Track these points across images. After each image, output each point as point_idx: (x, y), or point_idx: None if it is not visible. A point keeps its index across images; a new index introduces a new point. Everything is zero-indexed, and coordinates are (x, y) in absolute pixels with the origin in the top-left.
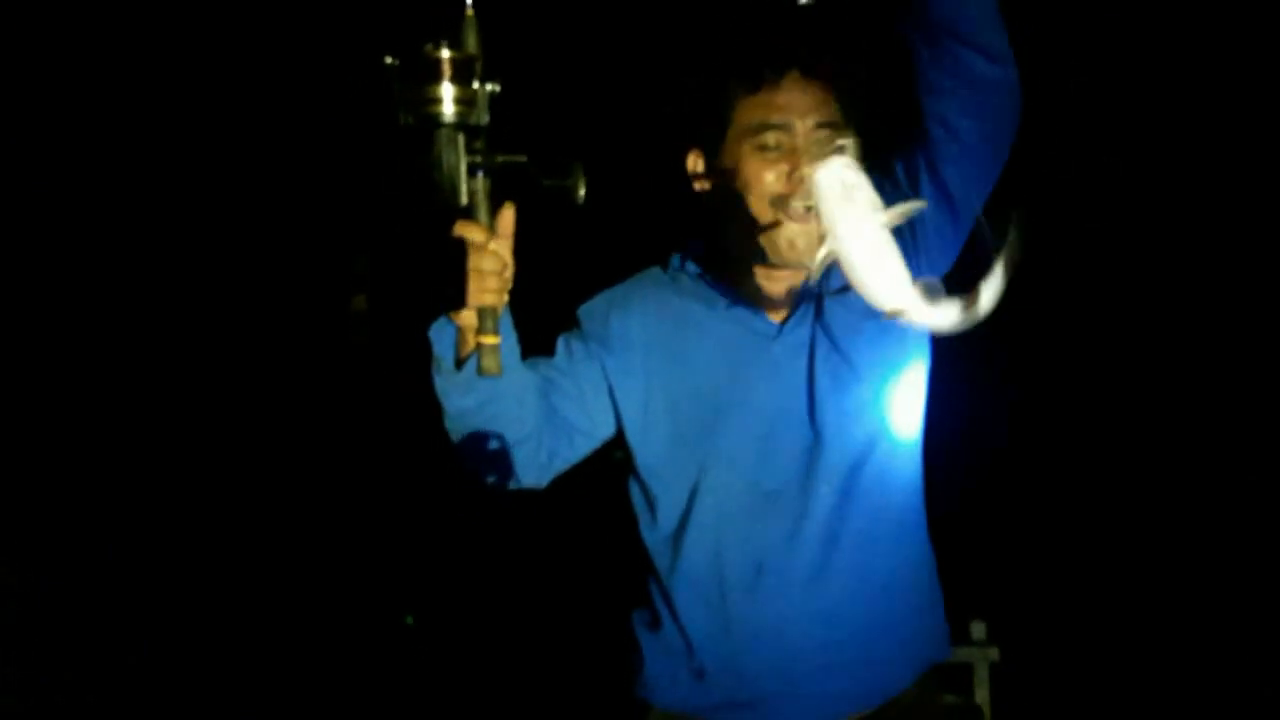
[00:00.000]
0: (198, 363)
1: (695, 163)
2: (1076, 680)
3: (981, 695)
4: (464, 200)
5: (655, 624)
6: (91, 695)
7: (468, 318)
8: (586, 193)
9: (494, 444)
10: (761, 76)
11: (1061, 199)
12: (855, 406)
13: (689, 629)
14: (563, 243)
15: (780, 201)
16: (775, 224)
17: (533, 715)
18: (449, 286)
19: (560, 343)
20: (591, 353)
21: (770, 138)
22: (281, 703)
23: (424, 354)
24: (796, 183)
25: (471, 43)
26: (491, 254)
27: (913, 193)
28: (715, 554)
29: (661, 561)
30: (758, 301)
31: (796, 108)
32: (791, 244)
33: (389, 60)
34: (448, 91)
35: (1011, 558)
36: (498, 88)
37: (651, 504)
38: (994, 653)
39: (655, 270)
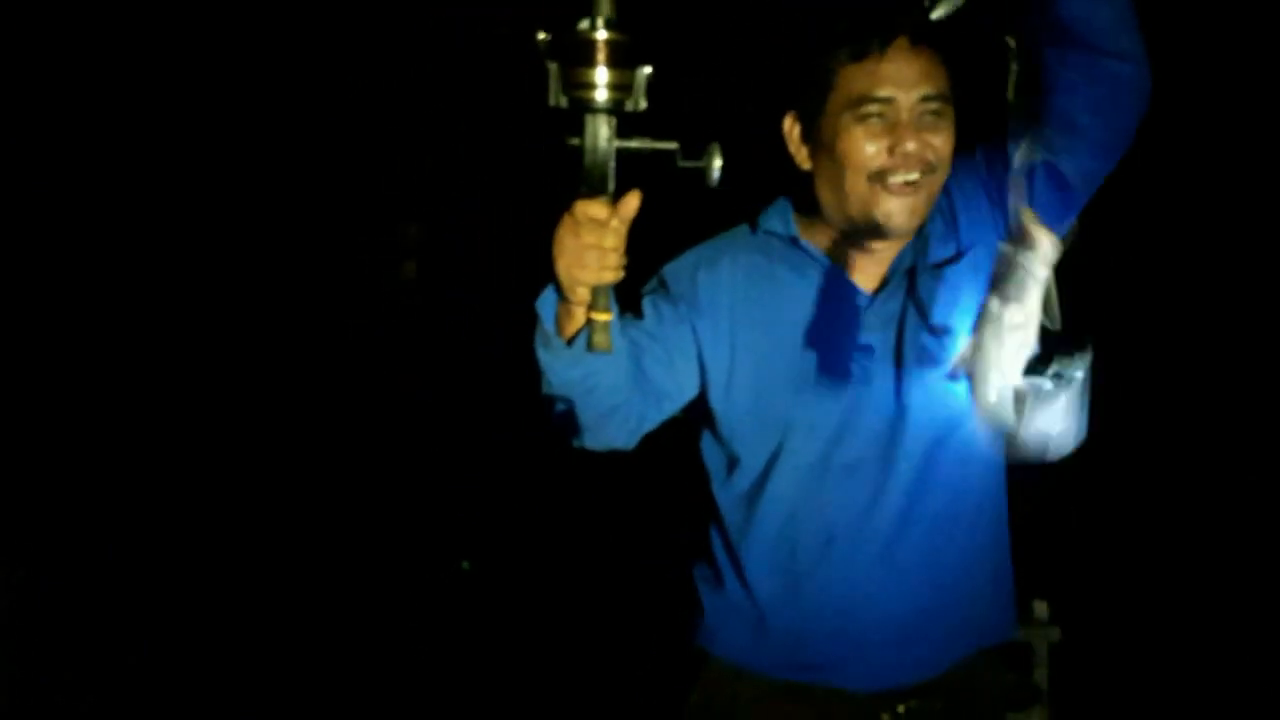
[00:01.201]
0: (249, 327)
1: (792, 127)
2: (1136, 664)
3: (1040, 675)
4: (611, 186)
5: (719, 580)
6: (91, 695)
7: (583, 294)
8: (721, 175)
9: (590, 411)
10: (868, 44)
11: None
12: (941, 385)
13: (755, 589)
14: (652, 200)
15: (880, 176)
16: (873, 197)
17: (589, 660)
18: (569, 261)
19: (647, 304)
20: (680, 315)
21: (874, 109)
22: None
23: (500, 322)
24: (899, 158)
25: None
26: (614, 231)
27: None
28: (788, 520)
29: (733, 520)
30: (850, 269)
31: (902, 79)
32: (889, 217)
33: (541, 36)
34: (603, 76)
35: (1078, 539)
36: (651, 71)
37: (728, 464)
38: (1055, 633)
39: (744, 229)
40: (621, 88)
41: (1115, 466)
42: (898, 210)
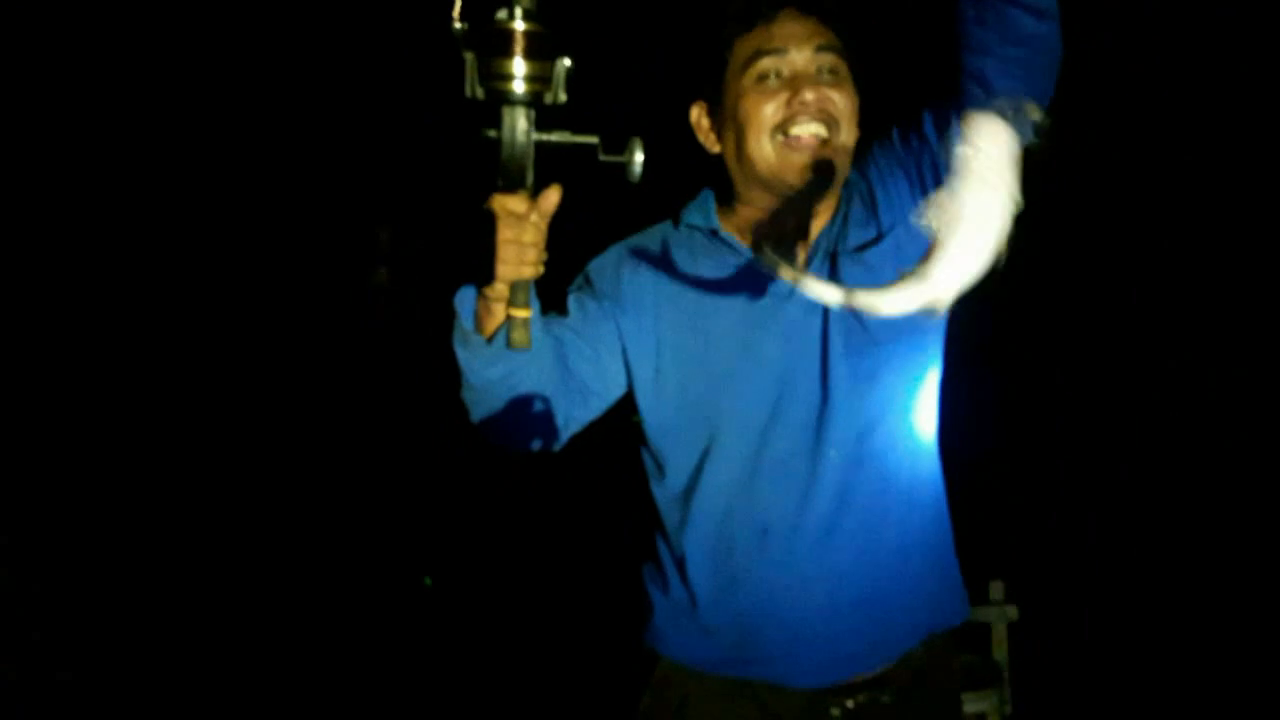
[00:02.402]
0: (217, 336)
1: (699, 115)
2: (1094, 639)
3: (1000, 654)
4: (530, 180)
5: (663, 579)
6: (92, 695)
7: (500, 290)
8: (642, 170)
9: (513, 412)
10: (756, 13)
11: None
12: (868, 370)
13: (696, 587)
14: (573, 196)
15: (781, 128)
16: (777, 153)
17: (545, 664)
18: (483, 258)
19: (572, 300)
20: (605, 311)
21: (767, 64)
22: (301, 670)
23: (444, 324)
24: (797, 106)
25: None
26: (533, 226)
27: (940, 147)
28: (723, 516)
29: (670, 519)
30: None
31: (793, 34)
32: (797, 171)
33: (457, 25)
34: (520, 67)
35: (1030, 518)
36: (570, 64)
37: (660, 463)
38: (1012, 612)
39: (666, 225)
40: (540, 80)
41: (1068, 444)
42: (801, 161)
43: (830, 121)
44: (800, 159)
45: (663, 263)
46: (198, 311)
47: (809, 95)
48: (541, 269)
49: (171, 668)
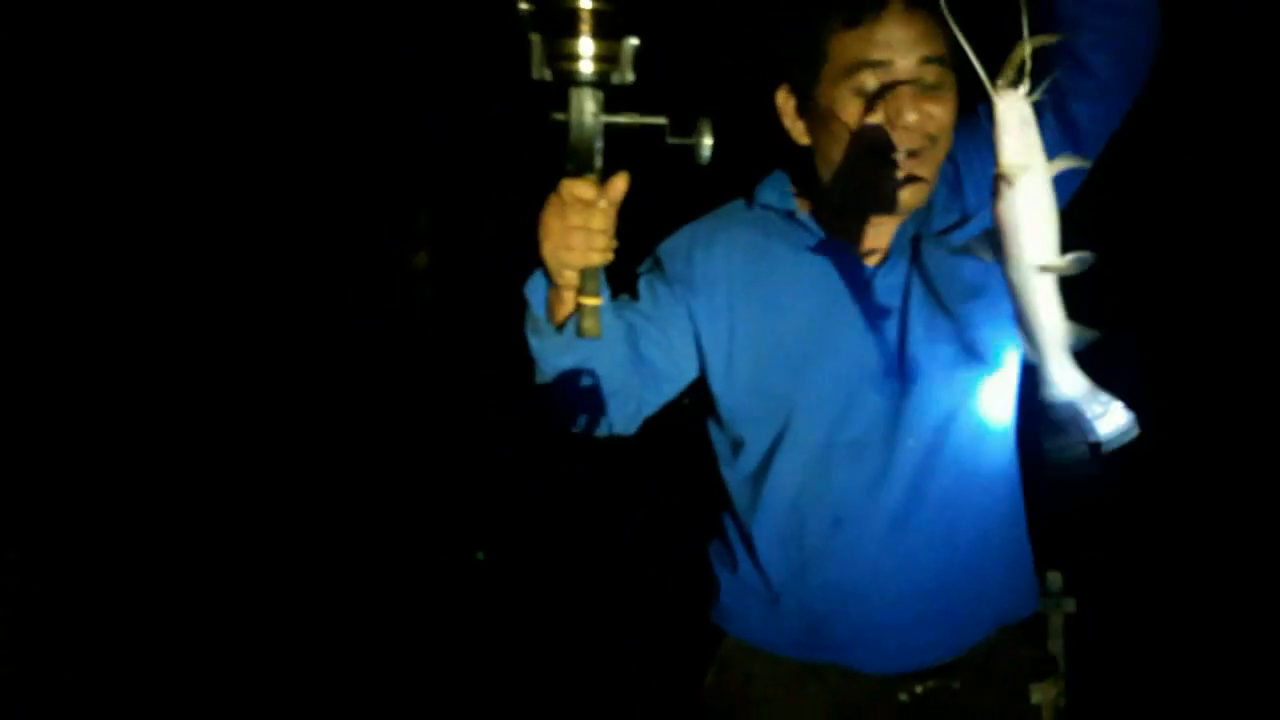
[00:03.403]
0: (261, 315)
1: (786, 100)
2: (1153, 634)
3: (1055, 646)
4: (599, 164)
5: (732, 559)
6: (92, 695)
7: (569, 278)
8: (712, 151)
9: (586, 399)
10: (861, 9)
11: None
12: (949, 358)
13: (766, 570)
14: (641, 177)
15: (880, 151)
16: (874, 174)
17: (609, 637)
18: (555, 244)
19: (643, 284)
20: (676, 295)
21: (869, 78)
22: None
23: (511, 310)
24: (899, 133)
25: None
26: (601, 212)
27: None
28: (794, 501)
29: (741, 502)
30: (850, 242)
31: (898, 43)
32: (892, 194)
33: (523, 6)
34: (588, 47)
35: (1090, 508)
36: (638, 42)
37: (732, 446)
38: (1070, 604)
39: (739, 204)
40: (607, 59)
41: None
42: (900, 186)
43: (929, 140)
44: (892, 179)
45: (736, 244)
46: (240, 300)
47: (911, 118)
48: (611, 255)
49: (203, 652)
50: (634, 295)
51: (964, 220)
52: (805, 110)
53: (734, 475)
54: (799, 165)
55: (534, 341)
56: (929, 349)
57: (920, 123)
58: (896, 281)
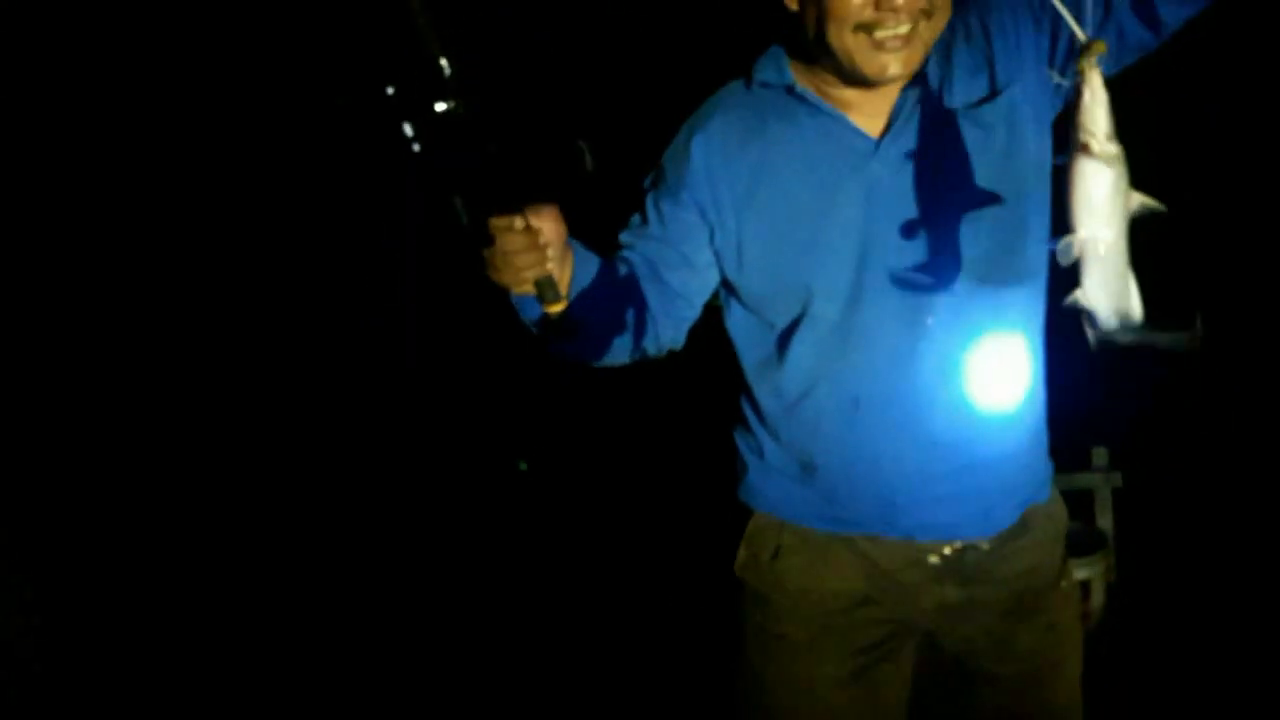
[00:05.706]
0: (261, 315)
1: None
2: (1201, 506)
3: (1104, 520)
4: (465, 219)
5: (756, 441)
6: (92, 695)
7: (530, 290)
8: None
9: (619, 345)
10: None
11: None
12: (967, 233)
13: (789, 451)
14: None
15: (866, 28)
16: (859, 51)
17: (638, 517)
18: (493, 269)
19: (648, 203)
20: (681, 202)
21: None
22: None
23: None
24: (886, 12)
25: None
26: (517, 234)
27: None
28: (812, 384)
29: (760, 387)
30: (851, 113)
31: None
32: (879, 72)
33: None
34: (409, 129)
35: (1136, 383)
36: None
37: (749, 330)
38: (1116, 478)
39: (736, 85)
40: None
41: (1177, 312)
42: (887, 63)
43: (918, 15)
44: (881, 59)
45: (734, 128)
46: (256, 293)
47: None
48: (549, 268)
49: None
50: (644, 217)
51: (994, 94)
52: None
53: (752, 359)
54: (793, 39)
55: (539, 336)
56: (945, 223)
57: (909, 3)
58: (901, 150)
